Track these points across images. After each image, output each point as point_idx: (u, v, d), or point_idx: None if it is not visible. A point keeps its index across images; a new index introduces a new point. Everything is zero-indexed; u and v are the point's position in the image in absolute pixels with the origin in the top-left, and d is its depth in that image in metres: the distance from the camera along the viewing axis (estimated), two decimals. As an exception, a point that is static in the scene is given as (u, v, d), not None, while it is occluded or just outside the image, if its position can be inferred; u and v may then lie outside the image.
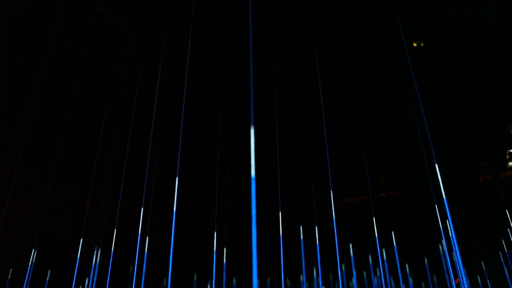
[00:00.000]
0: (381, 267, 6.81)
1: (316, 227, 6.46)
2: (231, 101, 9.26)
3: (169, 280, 4.24)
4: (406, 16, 8.05)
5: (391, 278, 8.52)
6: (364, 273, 9.36)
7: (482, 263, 8.99)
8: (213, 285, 6.32)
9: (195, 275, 8.97)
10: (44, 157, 7.82)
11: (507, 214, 6.99)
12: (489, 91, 9.87)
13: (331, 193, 5.93)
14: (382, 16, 8.32)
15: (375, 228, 6.40)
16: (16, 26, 7.63)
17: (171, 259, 4.13)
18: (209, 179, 8.97)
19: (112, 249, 5.85)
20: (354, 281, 8.07)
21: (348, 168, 11.99)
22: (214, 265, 6.41)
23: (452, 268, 6.44)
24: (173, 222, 4.17)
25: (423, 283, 9.80)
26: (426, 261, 9.71)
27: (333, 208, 5.84)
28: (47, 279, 6.79)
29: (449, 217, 3.42)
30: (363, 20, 8.63)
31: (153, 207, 7.39)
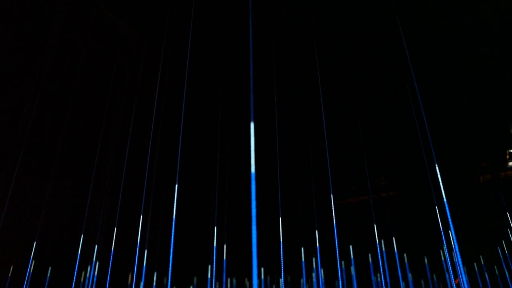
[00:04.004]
0: (381, 267, 6.81)
1: (316, 227, 6.46)
2: (231, 101, 9.26)
3: (169, 280, 4.24)
4: (406, 15, 8.05)
5: (391, 278, 8.52)
6: (364, 273, 9.36)
7: (482, 263, 8.98)
8: (213, 285, 6.32)
9: (195, 277, 8.98)
10: (44, 156, 7.82)
11: (507, 214, 7.00)
12: (489, 91, 9.87)
13: (331, 193, 5.93)
14: (382, 15, 8.32)
15: (375, 228, 6.40)
16: (16, 27, 7.62)
17: (171, 259, 4.14)
18: (209, 178, 8.97)
19: (112, 249, 5.85)
20: (354, 281, 8.07)
21: (348, 168, 11.99)
22: (214, 264, 6.41)
23: (452, 268, 6.44)
24: (173, 222, 4.17)
25: (423, 283, 9.80)
26: (426, 260, 9.71)
27: (333, 208, 5.84)
28: (47, 278, 6.79)
29: (449, 217, 3.42)
30: (363, 19, 8.63)
31: (153, 207, 7.39)
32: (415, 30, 8.38)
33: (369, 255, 8.57)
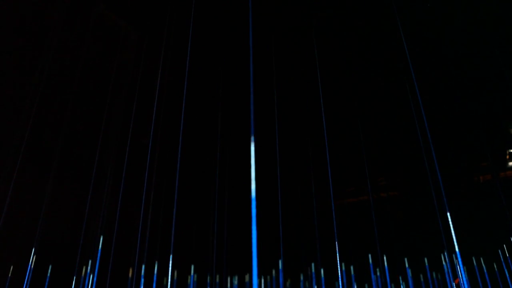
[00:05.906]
0: (381, 267, 6.81)
1: (316, 227, 6.46)
2: (231, 101, 9.27)
3: (169, 280, 4.25)
4: (406, 15, 8.05)
5: (391, 277, 8.52)
6: (364, 273, 9.37)
7: (482, 263, 8.99)
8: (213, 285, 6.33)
9: (195, 276, 8.97)
10: (44, 157, 7.82)
11: (507, 214, 7.00)
12: (489, 91, 9.87)
13: (331, 193, 5.94)
14: (382, 15, 8.32)
15: (375, 228, 6.40)
16: (15, 26, 7.62)
17: (171, 258, 4.14)
18: (209, 178, 8.97)
19: (112, 249, 5.85)
20: (353, 281, 8.07)
21: (348, 168, 11.99)
22: (214, 264, 6.42)
23: (452, 268, 6.44)
24: (173, 222, 4.17)
25: (423, 283, 9.81)
26: (426, 260, 9.71)
27: (333, 208, 5.85)
28: (47, 279, 6.79)
29: (449, 217, 3.43)
30: (363, 20, 8.63)
31: (153, 207, 7.39)
32: (415, 29, 8.38)
33: (369, 255, 8.57)
